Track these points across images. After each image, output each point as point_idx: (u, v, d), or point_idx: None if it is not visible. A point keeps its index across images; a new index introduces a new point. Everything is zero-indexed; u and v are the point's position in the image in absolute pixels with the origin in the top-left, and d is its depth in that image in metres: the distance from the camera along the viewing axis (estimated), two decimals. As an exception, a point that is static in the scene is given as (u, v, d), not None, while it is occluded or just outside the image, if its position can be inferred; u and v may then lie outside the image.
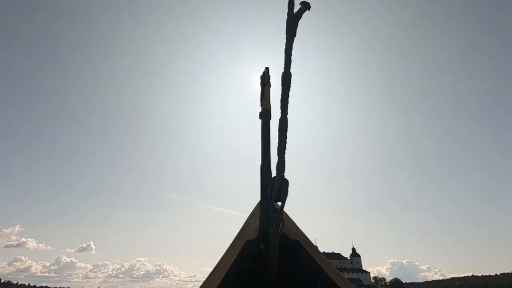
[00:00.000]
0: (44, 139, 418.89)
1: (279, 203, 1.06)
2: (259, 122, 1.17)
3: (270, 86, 1.15)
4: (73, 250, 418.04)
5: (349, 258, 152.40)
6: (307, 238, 1.35)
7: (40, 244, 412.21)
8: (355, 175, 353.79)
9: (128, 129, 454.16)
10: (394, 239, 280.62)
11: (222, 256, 1.39)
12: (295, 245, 1.31)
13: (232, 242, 1.36)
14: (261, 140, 1.17)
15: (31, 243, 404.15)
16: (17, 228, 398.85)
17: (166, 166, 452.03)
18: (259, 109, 1.16)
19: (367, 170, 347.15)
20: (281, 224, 1.12)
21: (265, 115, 1.12)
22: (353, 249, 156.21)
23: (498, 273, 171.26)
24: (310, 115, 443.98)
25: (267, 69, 1.23)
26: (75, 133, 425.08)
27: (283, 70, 0.95)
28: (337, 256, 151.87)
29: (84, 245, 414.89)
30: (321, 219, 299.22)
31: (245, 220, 1.39)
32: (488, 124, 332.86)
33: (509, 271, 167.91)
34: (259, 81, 1.27)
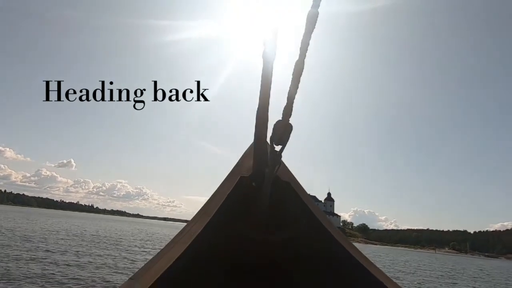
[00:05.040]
0: (34, 47, 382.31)
1: (279, 146, 1.08)
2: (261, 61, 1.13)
3: (279, 22, 1.05)
4: (53, 165, 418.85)
5: (323, 202, 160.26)
6: (297, 181, 1.47)
7: (18, 155, 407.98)
8: (340, 126, 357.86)
9: (123, 50, 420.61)
10: (360, 189, 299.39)
11: (217, 189, 1.51)
12: (286, 186, 1.40)
13: (227, 177, 1.49)
14: (261, 82, 1.12)
15: (9, 153, 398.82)
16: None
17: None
18: (264, 47, 1.09)
19: (352, 123, 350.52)
20: (277, 166, 1.18)
21: (268, 55, 1.07)
22: (329, 194, 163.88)
23: (451, 230, 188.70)
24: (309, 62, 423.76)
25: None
26: (67, 44, 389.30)
27: (310, 8, 0.88)
28: (312, 198, 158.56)
29: (65, 161, 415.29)
30: (300, 162, 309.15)
31: (239, 158, 1.54)
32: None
33: (460, 229, 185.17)
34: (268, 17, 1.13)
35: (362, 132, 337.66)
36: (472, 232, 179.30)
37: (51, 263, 10.74)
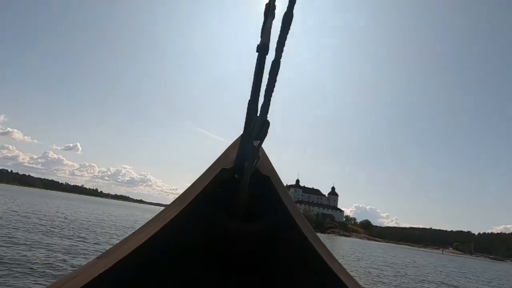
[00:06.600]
0: (42, 27, 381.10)
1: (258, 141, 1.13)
2: (256, 54, 1.11)
3: (273, 17, 1.06)
4: (59, 148, 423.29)
5: (326, 196, 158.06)
6: (277, 175, 1.50)
7: (26, 137, 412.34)
8: (344, 121, 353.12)
9: (129, 43, 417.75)
10: (362, 185, 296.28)
11: (198, 178, 1.52)
12: (265, 180, 1.42)
13: (209, 168, 1.49)
14: (254, 75, 1.12)
15: (17, 134, 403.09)
16: (1, 117, 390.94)
17: (163, 86, 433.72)
18: (259, 41, 1.11)
19: (355, 119, 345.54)
20: (256, 160, 1.21)
21: (262, 49, 1.05)
22: (333, 188, 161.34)
23: (454, 230, 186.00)
24: (307, 51, 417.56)
25: None
26: (75, 24, 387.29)
27: (285, 10, 0.90)
28: (316, 192, 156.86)
29: (71, 144, 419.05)
30: (307, 156, 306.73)
31: (225, 149, 1.55)
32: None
33: (462, 229, 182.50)
34: (263, 9, 1.14)
35: (365, 128, 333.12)
36: (476, 233, 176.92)
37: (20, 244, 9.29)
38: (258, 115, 1.08)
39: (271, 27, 1.01)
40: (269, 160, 1.55)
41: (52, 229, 13.79)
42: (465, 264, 47.54)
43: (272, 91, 1.00)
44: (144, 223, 1.51)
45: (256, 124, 1.08)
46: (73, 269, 7.43)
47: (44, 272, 7.11)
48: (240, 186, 1.29)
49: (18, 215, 17.36)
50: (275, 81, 0.99)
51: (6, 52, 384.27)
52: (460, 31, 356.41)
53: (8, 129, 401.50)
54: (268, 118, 1.01)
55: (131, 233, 1.45)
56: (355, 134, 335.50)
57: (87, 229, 15.65)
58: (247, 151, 1.24)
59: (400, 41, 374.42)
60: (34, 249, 9.03)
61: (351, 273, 1.42)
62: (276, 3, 1.03)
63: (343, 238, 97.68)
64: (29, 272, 6.88)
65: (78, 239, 12.02)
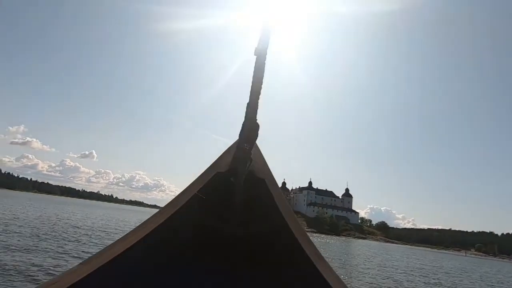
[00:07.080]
0: (56, 39, 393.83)
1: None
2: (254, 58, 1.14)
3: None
4: (76, 156, 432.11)
5: (340, 198, 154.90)
6: (273, 178, 1.48)
7: (44, 146, 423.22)
8: (356, 121, 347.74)
9: (142, 49, 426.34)
10: (376, 186, 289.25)
11: (193, 182, 1.48)
12: (260, 183, 1.41)
13: (204, 172, 1.47)
14: (252, 78, 1.10)
15: (36, 144, 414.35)
16: (21, 127, 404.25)
17: (174, 89, 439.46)
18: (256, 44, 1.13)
19: (368, 118, 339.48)
20: (248, 163, 1.21)
21: (261, 53, 1.05)
22: (347, 190, 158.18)
23: (475, 231, 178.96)
24: (312, 47, 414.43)
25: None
26: (89, 36, 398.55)
27: (265, 12, 0.94)
28: (329, 194, 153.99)
29: (87, 152, 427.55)
30: (320, 157, 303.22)
31: (222, 153, 1.52)
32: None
33: (484, 230, 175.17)
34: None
35: (378, 127, 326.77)
36: (499, 234, 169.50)
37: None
38: (247, 117, 1.09)
39: (271, 29, 1.02)
40: (266, 163, 1.53)
41: (48, 233, 13.02)
42: (495, 268, 44.76)
43: (259, 92, 1.02)
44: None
45: (246, 126, 1.09)
46: (55, 275, 6.56)
47: (24, 277, 6.28)
48: (235, 189, 1.29)
49: (17, 220, 16.83)
50: (261, 82, 1.01)
51: (24, 61, 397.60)
52: (478, 30, 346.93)
53: (28, 138, 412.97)
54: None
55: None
56: (368, 134, 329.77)
57: (86, 234, 14.88)
58: (240, 154, 1.24)
59: (423, 41, 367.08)
60: (17, 254, 8.03)
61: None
62: (276, 6, 1.05)
63: (359, 241, 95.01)
64: (4, 279, 6.04)
65: (73, 244, 11.21)
